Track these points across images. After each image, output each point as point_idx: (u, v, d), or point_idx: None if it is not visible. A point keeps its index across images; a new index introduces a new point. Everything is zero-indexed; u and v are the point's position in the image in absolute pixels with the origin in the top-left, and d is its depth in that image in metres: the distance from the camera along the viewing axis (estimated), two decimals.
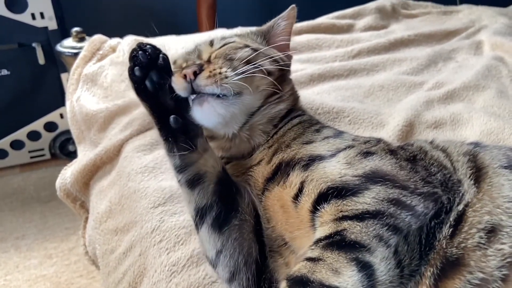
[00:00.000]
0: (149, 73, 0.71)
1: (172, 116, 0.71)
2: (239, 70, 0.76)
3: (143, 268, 0.92)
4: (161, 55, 0.73)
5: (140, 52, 0.72)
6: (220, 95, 0.74)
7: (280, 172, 0.74)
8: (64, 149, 2.61)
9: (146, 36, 1.69)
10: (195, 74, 0.74)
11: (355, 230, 0.60)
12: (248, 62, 0.80)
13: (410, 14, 2.18)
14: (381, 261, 0.57)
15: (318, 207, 0.66)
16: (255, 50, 0.84)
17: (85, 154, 1.36)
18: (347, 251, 0.58)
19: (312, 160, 0.72)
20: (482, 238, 0.59)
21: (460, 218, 0.61)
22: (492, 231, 0.59)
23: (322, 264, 0.57)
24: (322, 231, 0.63)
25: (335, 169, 0.69)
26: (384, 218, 0.60)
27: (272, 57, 0.85)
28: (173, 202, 0.97)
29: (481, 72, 1.48)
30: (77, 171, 1.29)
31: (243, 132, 0.83)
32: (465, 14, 2.17)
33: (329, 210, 0.65)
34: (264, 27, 0.94)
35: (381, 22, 2.02)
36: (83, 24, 1.74)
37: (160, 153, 1.13)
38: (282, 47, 0.90)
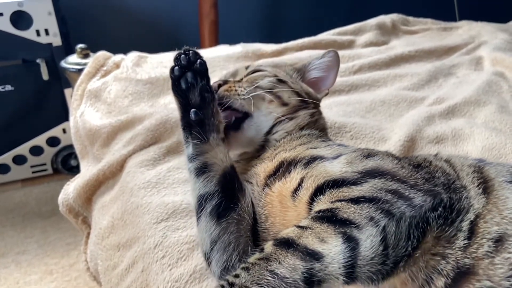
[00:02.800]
0: (185, 73, 0.81)
1: (193, 110, 0.80)
2: (251, 93, 0.88)
3: (145, 285, 0.91)
4: (199, 60, 0.81)
5: (182, 55, 0.81)
6: (236, 117, 0.88)
7: (282, 169, 0.77)
8: (66, 164, 2.61)
9: (150, 52, 1.72)
10: (219, 86, 0.90)
11: (349, 211, 0.62)
12: (268, 91, 0.91)
13: (410, 30, 2.21)
14: (367, 238, 0.59)
15: (315, 199, 0.68)
16: (280, 80, 0.94)
17: (88, 169, 1.37)
18: (336, 225, 0.60)
19: (314, 159, 0.76)
20: (490, 246, 0.59)
21: (472, 230, 0.62)
22: (499, 240, 0.60)
23: (309, 232, 0.60)
24: (315, 208, 0.66)
25: (336, 167, 0.72)
26: (380, 203, 0.62)
27: (291, 88, 0.94)
28: (176, 218, 0.97)
29: (482, 88, 1.49)
30: (80, 186, 1.29)
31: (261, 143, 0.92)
32: (465, 30, 2.19)
33: (324, 199, 0.67)
34: (300, 65, 1.05)
35: (381, 38, 2.04)
36: (88, 41, 1.77)
37: (163, 168, 1.13)
38: (314, 82, 1.01)
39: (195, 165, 0.81)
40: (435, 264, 0.61)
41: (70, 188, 1.35)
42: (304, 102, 0.95)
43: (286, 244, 0.60)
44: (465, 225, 0.62)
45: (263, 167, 0.82)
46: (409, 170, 0.70)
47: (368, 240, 0.58)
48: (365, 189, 0.65)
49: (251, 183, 0.82)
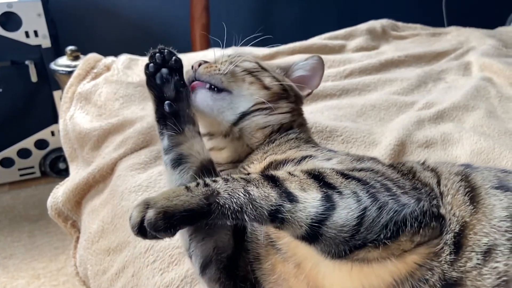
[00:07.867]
0: (160, 69, 0.82)
1: (167, 102, 0.80)
2: (232, 70, 0.88)
3: None
4: (174, 57, 0.83)
5: (157, 54, 0.83)
6: (212, 87, 0.87)
7: (270, 169, 0.77)
8: (54, 167, 2.59)
9: (140, 55, 1.71)
10: (200, 65, 0.90)
11: (335, 179, 0.62)
12: (249, 72, 0.90)
13: (400, 35, 2.24)
14: (345, 207, 0.58)
15: None
16: (262, 67, 0.94)
17: (77, 173, 1.35)
18: (321, 184, 0.60)
19: (304, 158, 0.75)
20: (479, 259, 0.59)
21: (460, 243, 0.61)
22: (487, 251, 0.59)
23: (295, 179, 0.61)
24: None
25: (326, 164, 0.72)
26: (368, 186, 0.61)
27: (273, 76, 0.93)
28: None
29: (470, 93, 1.51)
30: (69, 190, 1.28)
31: (235, 132, 0.88)
32: (453, 35, 2.22)
33: None
34: (285, 64, 1.04)
35: (372, 43, 2.06)
36: (77, 43, 1.75)
37: (154, 172, 1.12)
38: (299, 80, 1.00)
39: (170, 156, 0.80)
40: (421, 275, 0.60)
41: (59, 192, 1.33)
42: (286, 92, 0.94)
43: (272, 179, 0.61)
44: (449, 237, 0.62)
45: (252, 170, 0.81)
46: (399, 176, 0.70)
47: (345, 210, 0.58)
48: (356, 174, 0.65)
49: None
